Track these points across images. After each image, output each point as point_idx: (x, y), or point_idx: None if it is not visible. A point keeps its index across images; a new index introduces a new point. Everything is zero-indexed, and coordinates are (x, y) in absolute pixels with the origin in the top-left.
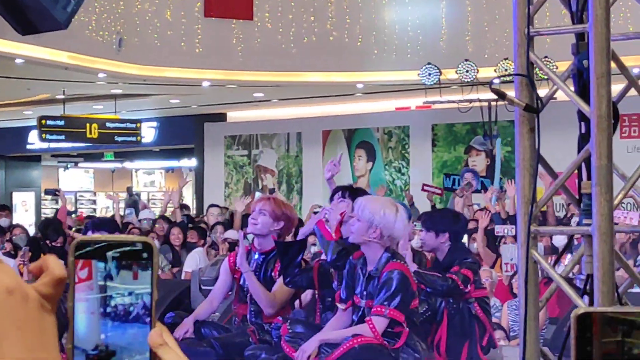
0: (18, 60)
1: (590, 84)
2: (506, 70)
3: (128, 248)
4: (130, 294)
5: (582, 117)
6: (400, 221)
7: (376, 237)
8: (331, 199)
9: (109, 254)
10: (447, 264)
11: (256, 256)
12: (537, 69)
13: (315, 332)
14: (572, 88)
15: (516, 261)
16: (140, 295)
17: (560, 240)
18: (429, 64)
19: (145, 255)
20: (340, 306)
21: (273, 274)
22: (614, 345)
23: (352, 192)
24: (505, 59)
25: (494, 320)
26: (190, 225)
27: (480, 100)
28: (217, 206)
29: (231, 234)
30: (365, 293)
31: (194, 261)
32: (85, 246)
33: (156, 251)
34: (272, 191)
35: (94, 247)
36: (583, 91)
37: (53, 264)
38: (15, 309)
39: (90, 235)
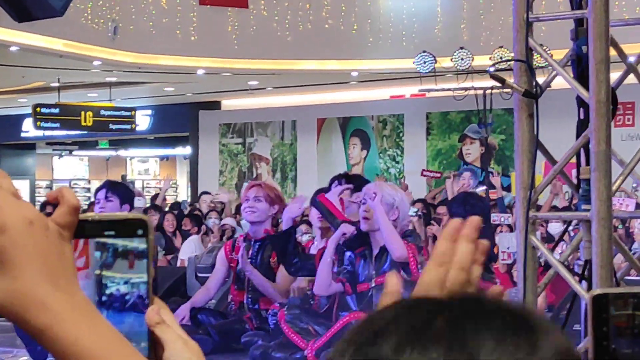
0: (13, 48)
1: (590, 70)
2: (501, 58)
3: (123, 225)
4: (126, 282)
5: (581, 103)
6: (409, 205)
7: (395, 218)
8: (329, 188)
9: (105, 232)
10: None
11: (251, 243)
12: (536, 56)
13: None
14: (571, 74)
15: (513, 249)
16: (137, 284)
17: (556, 229)
18: (424, 51)
19: (140, 232)
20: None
21: (271, 260)
22: (625, 318)
23: (349, 179)
24: (501, 47)
25: None
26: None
27: (475, 89)
28: (209, 193)
29: (229, 221)
30: (374, 273)
31: (190, 249)
32: (80, 223)
33: (151, 227)
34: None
35: (90, 224)
36: (582, 77)
37: (68, 194)
38: (37, 238)
39: (85, 214)
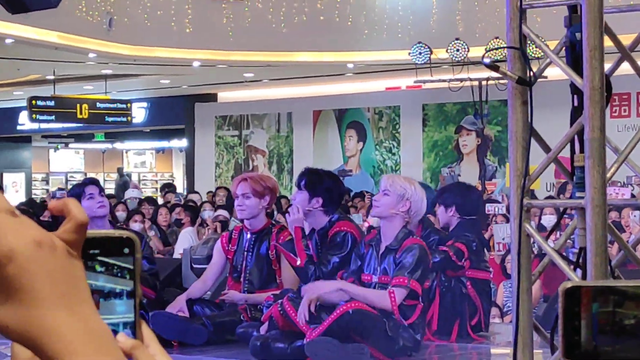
0: (8, 40)
1: (584, 57)
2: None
3: (109, 243)
4: (114, 296)
5: (575, 90)
6: (425, 199)
7: (405, 210)
8: (298, 184)
9: (90, 250)
10: (448, 238)
11: (248, 236)
12: (530, 45)
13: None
14: (565, 63)
15: (508, 240)
16: (123, 296)
17: (548, 220)
18: (419, 43)
19: (127, 250)
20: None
21: (270, 252)
22: (605, 315)
23: (310, 179)
24: (496, 38)
25: None
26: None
27: (470, 80)
28: (197, 193)
29: (222, 212)
30: (379, 269)
31: (187, 242)
32: None
33: (138, 246)
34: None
35: None
36: (575, 64)
37: (75, 210)
38: (46, 260)
39: None
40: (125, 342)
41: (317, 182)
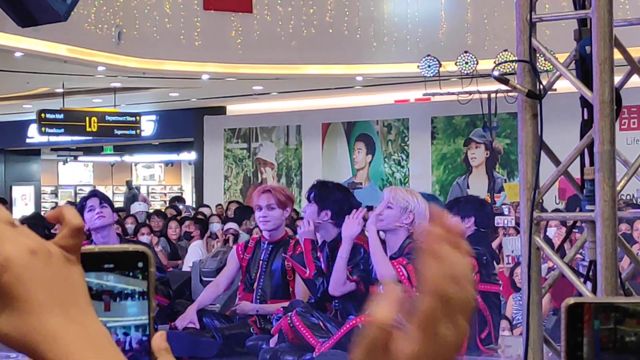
0: (17, 54)
1: (593, 70)
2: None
3: (123, 257)
4: (125, 297)
5: (585, 103)
6: (428, 210)
7: (409, 222)
8: (308, 197)
9: (104, 265)
10: None
11: (265, 245)
12: (540, 59)
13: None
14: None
15: (517, 253)
16: (139, 320)
17: (553, 232)
18: (428, 55)
19: (140, 264)
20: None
21: (286, 263)
22: (607, 332)
23: (319, 192)
24: (505, 51)
25: None
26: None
27: (479, 92)
28: (208, 206)
29: (232, 225)
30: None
31: (196, 254)
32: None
33: (152, 260)
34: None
35: (87, 257)
36: (585, 77)
37: (69, 215)
38: (41, 269)
39: (84, 247)
40: (160, 343)
41: (327, 195)
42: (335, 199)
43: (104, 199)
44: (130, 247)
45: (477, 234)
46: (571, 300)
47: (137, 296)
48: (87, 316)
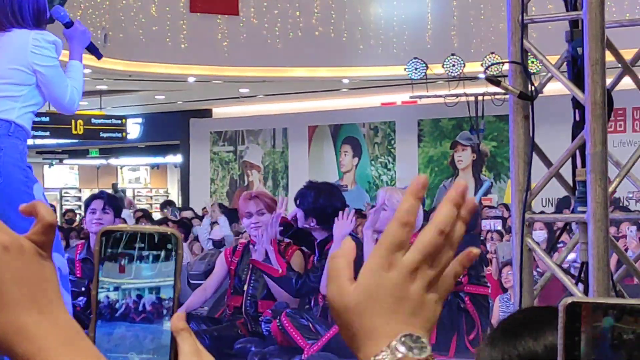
0: None
1: (585, 71)
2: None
3: (154, 238)
4: (151, 291)
5: (577, 105)
6: (421, 212)
7: None
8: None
9: (136, 244)
10: None
11: (253, 247)
12: (530, 60)
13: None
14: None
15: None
16: (163, 298)
17: (539, 236)
18: (415, 58)
19: (169, 246)
20: None
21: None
22: (605, 332)
23: (303, 200)
24: (492, 53)
25: None
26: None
27: (466, 95)
28: (191, 209)
29: (215, 235)
30: None
31: None
32: (110, 235)
33: (181, 242)
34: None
35: (120, 236)
36: (577, 78)
37: (43, 211)
38: (13, 264)
39: (117, 225)
40: (178, 323)
41: (310, 202)
42: (318, 205)
43: (108, 204)
44: (161, 228)
45: (466, 236)
46: (569, 300)
47: (150, 256)
48: (59, 311)
